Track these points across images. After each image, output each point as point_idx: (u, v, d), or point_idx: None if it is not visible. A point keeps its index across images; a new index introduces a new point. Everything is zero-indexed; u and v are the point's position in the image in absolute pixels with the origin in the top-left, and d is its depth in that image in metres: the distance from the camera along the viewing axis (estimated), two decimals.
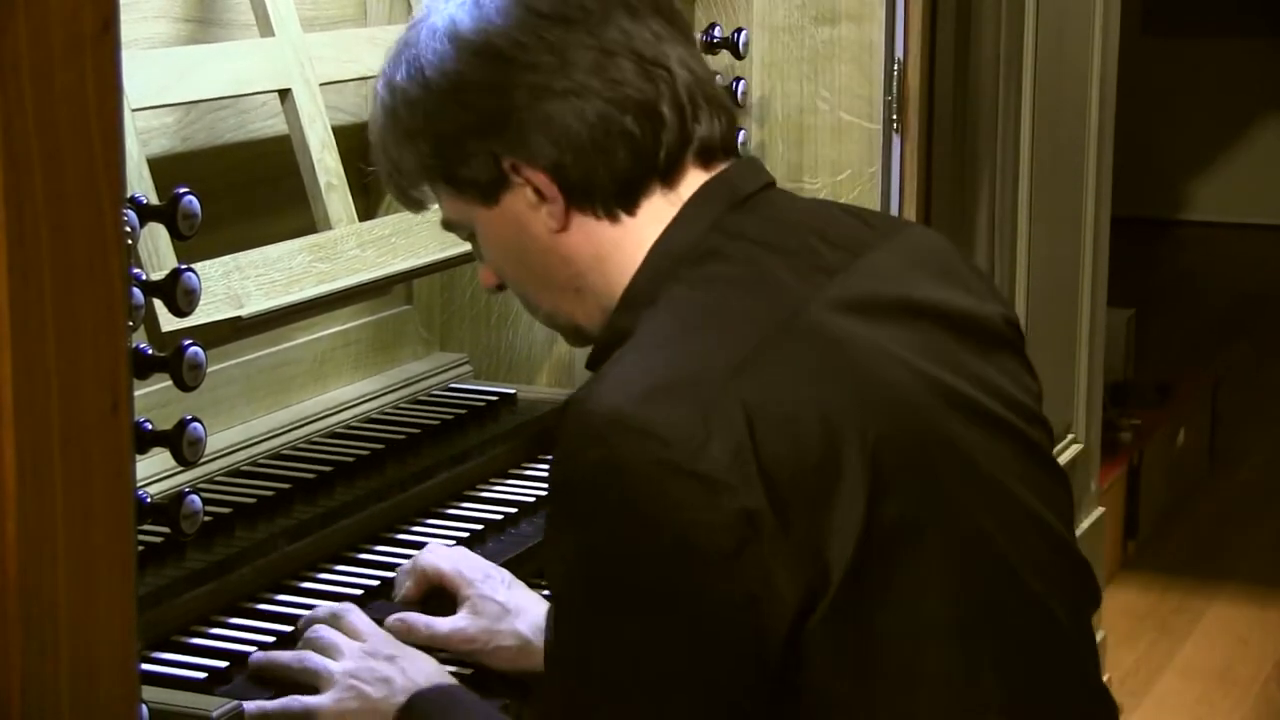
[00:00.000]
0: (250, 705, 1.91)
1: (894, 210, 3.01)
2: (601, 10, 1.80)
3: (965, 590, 1.70)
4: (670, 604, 1.62)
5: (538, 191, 1.79)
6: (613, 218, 1.80)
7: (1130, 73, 5.08)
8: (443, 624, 2.09)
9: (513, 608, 2.09)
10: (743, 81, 2.95)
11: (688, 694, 1.64)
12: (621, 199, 1.80)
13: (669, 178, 1.80)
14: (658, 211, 1.80)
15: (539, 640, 2.04)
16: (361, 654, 1.98)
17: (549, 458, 2.66)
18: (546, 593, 1.84)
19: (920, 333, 1.76)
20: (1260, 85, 8.83)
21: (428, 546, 2.21)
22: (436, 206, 1.93)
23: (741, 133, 2.97)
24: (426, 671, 1.97)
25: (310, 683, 1.97)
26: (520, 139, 1.78)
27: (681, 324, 1.71)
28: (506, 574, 2.17)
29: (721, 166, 1.83)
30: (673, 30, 1.83)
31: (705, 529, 1.59)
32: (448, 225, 1.92)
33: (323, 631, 2.02)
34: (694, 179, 1.81)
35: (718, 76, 2.93)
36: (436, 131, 1.82)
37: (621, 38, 1.79)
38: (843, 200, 3.01)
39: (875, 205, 2.99)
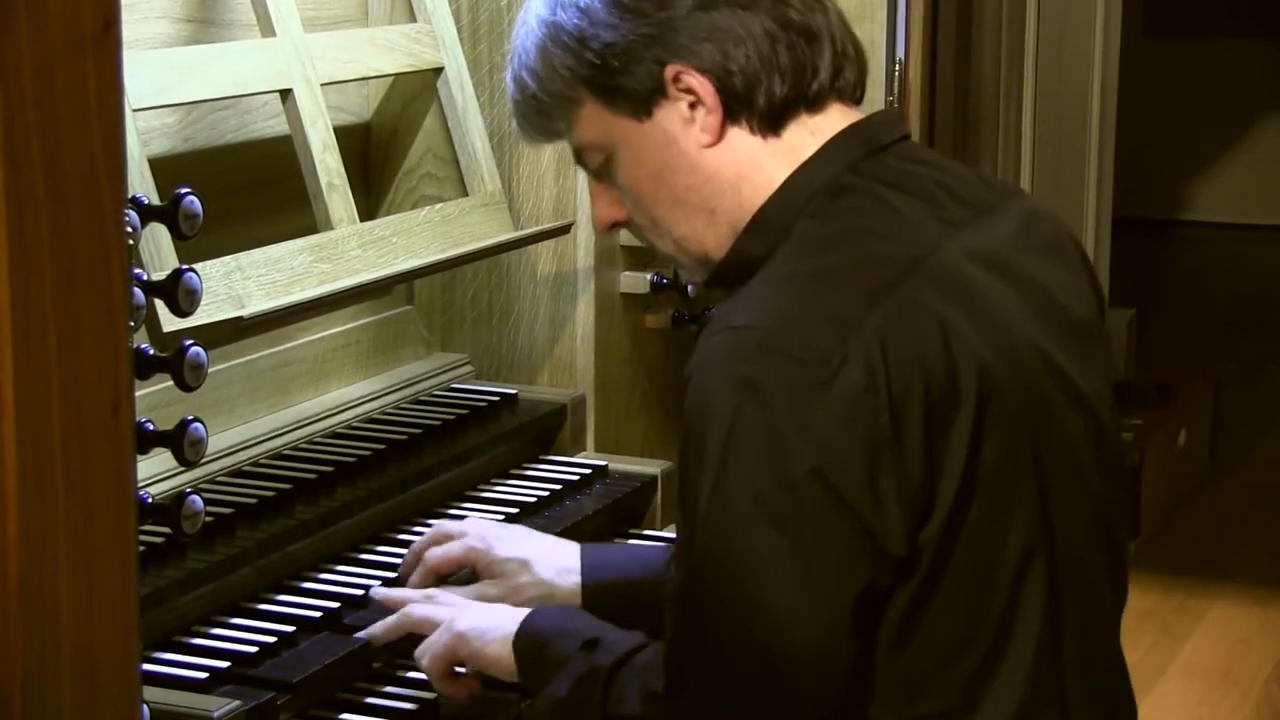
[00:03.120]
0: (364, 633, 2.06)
1: None
2: None
3: (1036, 546, 1.74)
4: (797, 522, 1.65)
5: (694, 103, 1.81)
6: (762, 134, 1.83)
7: (1131, 74, 5.08)
8: (466, 592, 2.14)
9: (530, 557, 2.14)
10: None
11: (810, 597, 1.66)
12: (773, 118, 1.82)
13: (815, 107, 1.84)
14: (800, 140, 1.83)
15: (564, 580, 2.11)
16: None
17: (550, 457, 2.69)
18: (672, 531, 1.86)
19: (1030, 298, 1.79)
20: (1261, 86, 8.83)
21: (433, 531, 2.24)
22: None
23: None
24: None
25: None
26: (688, 46, 1.81)
27: (817, 255, 1.75)
28: (519, 528, 2.23)
29: (859, 113, 1.87)
30: None
31: (836, 453, 1.64)
32: (580, 151, 1.91)
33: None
34: (836, 117, 1.85)
35: None
36: (601, 40, 1.83)
37: None
38: None
39: None
